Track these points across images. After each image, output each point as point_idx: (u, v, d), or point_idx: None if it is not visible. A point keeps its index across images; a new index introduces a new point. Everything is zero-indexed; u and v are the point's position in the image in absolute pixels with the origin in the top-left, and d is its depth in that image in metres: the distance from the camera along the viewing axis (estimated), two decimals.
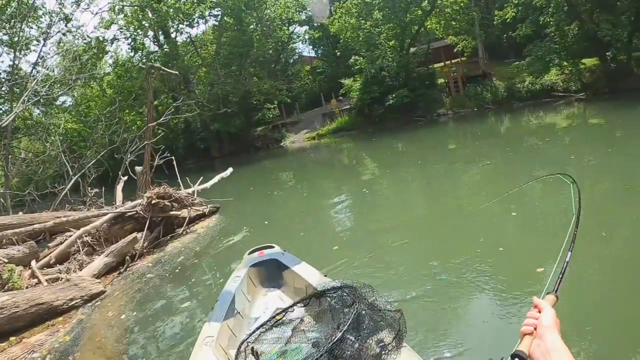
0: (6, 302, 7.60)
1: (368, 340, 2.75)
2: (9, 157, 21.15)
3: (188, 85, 39.71)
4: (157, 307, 7.83)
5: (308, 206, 14.31)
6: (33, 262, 9.89)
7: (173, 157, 16.12)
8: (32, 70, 27.27)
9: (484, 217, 8.66)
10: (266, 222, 12.95)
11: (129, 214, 11.82)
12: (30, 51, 28.14)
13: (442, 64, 37.12)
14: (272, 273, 5.46)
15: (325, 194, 15.78)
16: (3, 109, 27.91)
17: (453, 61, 36.68)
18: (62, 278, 9.56)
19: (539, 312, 1.50)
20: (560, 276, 1.80)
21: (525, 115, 25.44)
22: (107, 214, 11.82)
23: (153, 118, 16.52)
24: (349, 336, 2.69)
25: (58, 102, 34.24)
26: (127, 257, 10.27)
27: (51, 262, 10.25)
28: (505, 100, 30.23)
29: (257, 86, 39.82)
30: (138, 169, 15.65)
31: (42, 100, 25.30)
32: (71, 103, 40.11)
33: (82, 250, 10.65)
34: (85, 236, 11.00)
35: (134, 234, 10.89)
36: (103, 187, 17.61)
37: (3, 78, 26.86)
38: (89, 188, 18.14)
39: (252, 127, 42.24)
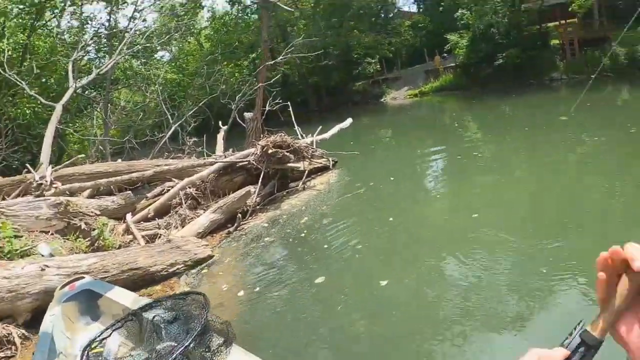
0: (94, 265, 6.13)
1: (196, 348, 3.04)
2: (109, 105, 20.71)
3: (286, 38, 38.25)
4: (287, 282, 6.01)
5: (426, 166, 13.01)
6: (128, 216, 8.36)
7: (289, 103, 14.27)
8: (128, 23, 26.79)
9: None
10: (392, 178, 11.31)
11: (240, 164, 10.07)
12: (128, 5, 27.62)
13: (556, 23, 33.32)
14: (88, 305, 5.08)
15: (438, 155, 14.19)
16: (104, 61, 27.92)
17: (569, 21, 32.81)
18: (161, 235, 8.01)
19: None
20: None
21: None
22: (214, 163, 10.11)
23: (268, 57, 14.72)
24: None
25: (157, 57, 34.16)
26: (239, 215, 8.45)
27: (149, 215, 8.71)
28: (627, 69, 26.43)
29: (358, 39, 38.18)
30: (248, 115, 13.93)
31: (140, 52, 24.82)
32: (170, 57, 40.31)
33: (185, 203, 9.05)
34: (189, 187, 9.37)
35: (248, 188, 9.16)
36: (204, 136, 16.39)
37: (102, 32, 26.54)
38: (188, 137, 17.25)
39: (352, 82, 40.30)
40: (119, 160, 15.12)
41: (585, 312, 4.23)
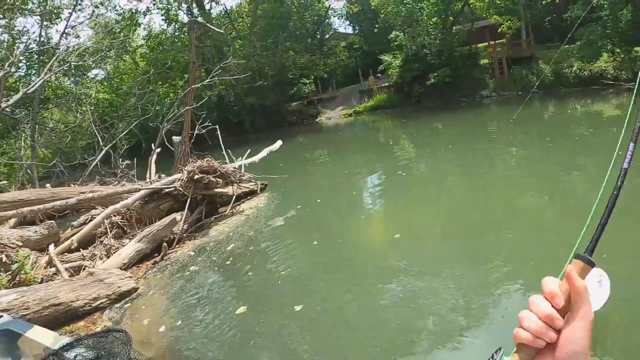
0: (13, 302, 5.99)
1: None
2: (36, 127, 20.06)
3: (222, 58, 38.25)
4: (209, 314, 6.04)
5: (355, 185, 13.28)
6: (51, 247, 8.18)
7: (217, 127, 14.34)
8: (60, 39, 26.03)
9: None
10: (319, 201, 11.67)
11: (166, 190, 10.03)
12: (61, 20, 26.84)
13: (485, 44, 34.84)
14: (7, 346, 4.83)
15: (369, 174, 14.78)
16: (34, 80, 26.98)
17: (497, 41, 34.38)
18: (85, 266, 7.87)
19: (565, 305, 0.83)
20: (599, 227, 0.93)
21: (571, 102, 23.60)
22: (140, 190, 10.02)
23: (196, 79, 14.68)
24: None
25: (91, 75, 33.33)
26: (164, 244, 8.46)
27: (73, 246, 8.52)
28: (552, 85, 27.88)
29: (293, 60, 38.57)
30: (176, 138, 13.85)
31: (72, 70, 24.20)
32: (104, 76, 39.47)
33: (110, 232, 8.93)
34: (114, 216, 9.26)
35: (173, 215, 9.09)
36: (135, 159, 16.18)
37: (33, 48, 25.67)
38: (120, 160, 17.14)
39: (287, 102, 40.55)
40: (47, 185, 14.74)
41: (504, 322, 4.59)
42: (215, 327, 5.62)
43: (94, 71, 34.82)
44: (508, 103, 27.03)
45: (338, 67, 46.89)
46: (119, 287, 6.71)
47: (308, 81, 41.00)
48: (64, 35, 26.12)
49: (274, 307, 6.00)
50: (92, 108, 23.18)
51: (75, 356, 3.51)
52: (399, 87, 34.63)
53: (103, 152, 17.08)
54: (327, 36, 49.89)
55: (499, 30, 34.68)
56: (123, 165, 16.46)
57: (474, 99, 30.51)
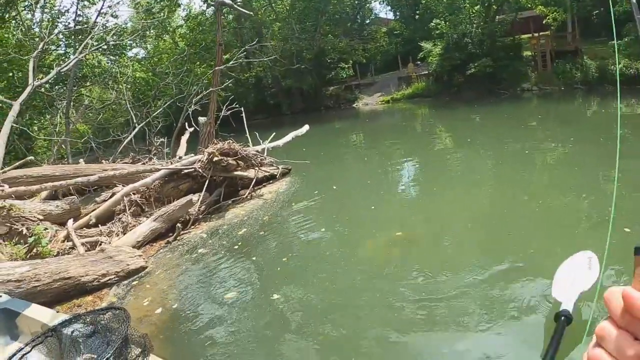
0: (26, 273, 6.13)
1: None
2: (71, 103, 20.47)
3: (261, 40, 38.32)
4: (202, 297, 6.11)
5: (375, 175, 13.06)
6: (70, 222, 8.36)
7: (242, 109, 14.38)
8: (96, 18, 26.39)
9: None
10: (335, 187, 11.57)
11: (185, 171, 10.10)
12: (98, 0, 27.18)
13: (529, 35, 33.78)
14: (6, 324, 4.86)
15: (397, 163, 14.27)
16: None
17: (542, 33, 33.28)
18: (101, 242, 8.02)
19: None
20: None
21: (615, 101, 21.64)
22: (160, 169, 10.13)
23: (221, 61, 14.76)
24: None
25: (130, 54, 33.80)
26: (178, 225, 8.54)
27: (91, 222, 8.71)
28: (596, 82, 26.82)
29: (332, 44, 38.35)
30: (202, 119, 13.96)
31: (110, 48, 24.51)
32: (144, 55, 40.01)
33: (129, 210, 9.05)
34: (134, 194, 9.38)
35: (190, 196, 9.17)
36: (166, 138, 16.43)
37: (70, 27, 26.09)
38: (155, 138, 17.42)
39: (325, 86, 40.35)
40: (81, 161, 15.10)
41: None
42: (204, 312, 5.67)
43: (135, 50, 35.26)
44: (550, 98, 26.25)
45: (377, 52, 46.42)
46: (128, 265, 6.82)
47: (346, 66, 40.83)
48: (101, 14, 26.46)
49: (259, 293, 6.04)
50: (129, 86, 23.52)
51: (73, 332, 3.60)
52: (439, 75, 34.11)
53: (136, 129, 17.47)
54: (367, 21, 49.36)
55: (544, 22, 33.59)
56: (157, 143, 16.73)
57: (514, 91, 29.62)
